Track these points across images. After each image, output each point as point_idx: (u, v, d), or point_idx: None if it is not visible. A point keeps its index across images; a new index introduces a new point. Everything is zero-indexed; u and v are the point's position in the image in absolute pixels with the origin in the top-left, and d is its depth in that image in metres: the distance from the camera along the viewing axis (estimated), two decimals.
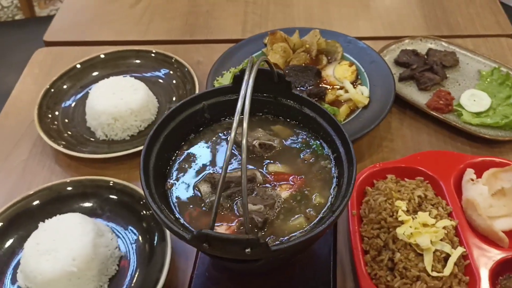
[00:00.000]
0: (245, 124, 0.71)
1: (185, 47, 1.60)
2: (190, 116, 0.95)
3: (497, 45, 1.53)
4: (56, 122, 1.32)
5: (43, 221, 1.04)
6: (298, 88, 1.33)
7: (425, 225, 0.99)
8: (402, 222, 1.00)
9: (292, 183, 0.88)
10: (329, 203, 0.84)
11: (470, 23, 1.61)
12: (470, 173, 1.11)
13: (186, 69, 1.42)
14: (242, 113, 0.71)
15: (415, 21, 1.65)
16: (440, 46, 1.47)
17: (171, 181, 0.89)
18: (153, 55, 1.47)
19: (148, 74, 1.46)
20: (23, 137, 1.36)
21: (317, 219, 0.82)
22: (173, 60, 1.44)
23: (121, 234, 1.09)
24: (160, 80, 1.44)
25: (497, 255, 0.97)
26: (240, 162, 0.90)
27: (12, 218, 1.08)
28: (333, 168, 0.90)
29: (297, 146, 0.94)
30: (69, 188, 1.13)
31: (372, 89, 1.31)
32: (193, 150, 0.95)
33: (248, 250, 0.70)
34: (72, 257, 0.96)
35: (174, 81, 1.42)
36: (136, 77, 1.39)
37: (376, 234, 1.01)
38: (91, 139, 1.32)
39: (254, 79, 0.74)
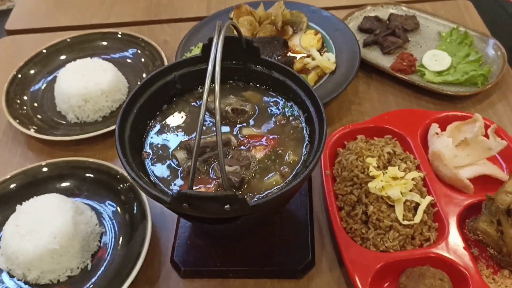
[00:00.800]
0: (217, 87, 0.73)
1: (151, 28, 1.60)
2: (162, 88, 0.97)
3: (455, 7, 1.58)
4: (25, 108, 1.31)
5: (20, 204, 1.04)
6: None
7: (395, 178, 1.04)
8: (373, 177, 1.04)
9: (266, 144, 0.91)
10: (302, 160, 0.87)
11: None
12: (435, 127, 1.15)
13: (154, 48, 1.42)
14: (213, 77, 0.73)
15: None
16: (400, 11, 1.52)
17: (147, 150, 0.91)
18: (119, 36, 1.47)
19: (116, 55, 1.46)
20: None
21: (292, 175, 0.85)
22: (139, 40, 1.45)
23: (100, 211, 1.10)
24: (129, 60, 1.44)
25: (463, 201, 1.02)
26: (215, 127, 0.93)
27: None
28: (305, 127, 0.93)
29: (269, 110, 0.97)
30: (45, 170, 1.13)
31: (338, 55, 1.35)
32: (167, 120, 0.96)
33: (227, 206, 0.72)
34: (53, 235, 0.97)
35: (142, 60, 1.42)
36: (104, 59, 1.38)
37: (350, 191, 1.05)
38: (63, 122, 1.31)
39: (223, 42, 0.75)
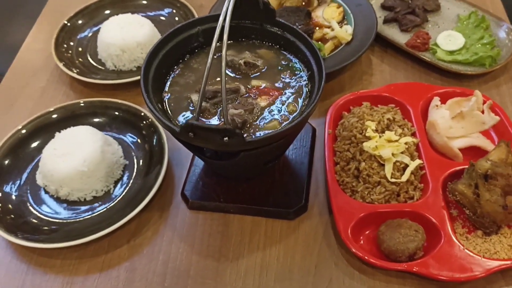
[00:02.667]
0: (225, 36, 0.85)
1: None
2: (186, 39, 1.09)
3: None
4: (70, 52, 1.48)
5: (59, 132, 1.21)
6: None
7: (389, 141, 1.13)
8: (369, 138, 1.14)
9: (271, 95, 1.02)
10: (299, 110, 0.99)
11: None
12: (436, 100, 1.24)
13: (189, 9, 1.55)
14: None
15: None
16: None
17: (167, 90, 1.04)
18: None
19: (153, 13, 1.60)
20: (42, 68, 1.51)
21: (288, 121, 0.97)
22: (176, 1, 1.58)
23: (126, 145, 1.25)
24: (163, 18, 1.59)
25: (449, 166, 1.11)
26: (229, 78, 1.06)
27: (34, 129, 1.25)
28: (306, 84, 1.04)
29: (278, 66, 1.08)
30: (82, 106, 1.29)
31: (356, 29, 1.43)
32: (187, 68, 1.09)
33: (226, 138, 0.85)
34: (83, 159, 1.13)
35: (176, 19, 1.56)
36: (143, 16, 1.53)
37: (347, 149, 1.16)
38: (102, 68, 1.47)
39: (236, 1, 0.87)
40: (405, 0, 1.55)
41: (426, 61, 1.37)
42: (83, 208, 1.15)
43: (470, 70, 1.34)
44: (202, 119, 0.98)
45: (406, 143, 1.13)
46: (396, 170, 1.10)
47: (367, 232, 1.07)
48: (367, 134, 1.14)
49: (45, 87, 1.46)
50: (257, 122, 0.98)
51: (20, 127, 1.25)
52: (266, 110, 1.00)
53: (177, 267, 1.05)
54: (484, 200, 1.00)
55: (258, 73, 1.07)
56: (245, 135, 0.94)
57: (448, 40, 1.41)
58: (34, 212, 1.14)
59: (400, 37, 1.47)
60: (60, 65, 1.42)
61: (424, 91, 1.27)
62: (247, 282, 1.02)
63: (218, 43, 1.11)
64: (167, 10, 1.59)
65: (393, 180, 1.08)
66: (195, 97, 1.02)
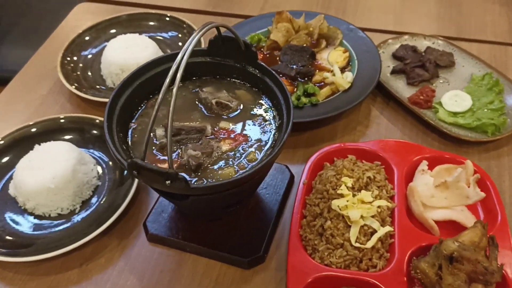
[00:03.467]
0: (175, 89, 0.83)
1: (204, 17, 1.73)
2: (165, 70, 1.08)
3: (502, 52, 1.53)
4: (72, 65, 1.51)
5: (39, 144, 1.22)
6: (290, 66, 1.42)
7: (362, 202, 1.07)
8: (342, 196, 1.08)
9: (235, 140, 0.99)
10: (259, 159, 0.95)
11: (482, 29, 1.62)
12: (423, 164, 1.16)
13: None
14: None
15: (427, 19, 1.68)
16: (440, 46, 1.50)
17: (135, 121, 1.03)
18: (167, 18, 1.62)
19: (161, 35, 1.63)
20: (47, 77, 1.55)
21: (245, 170, 0.93)
22: (185, 25, 1.59)
23: (105, 166, 1.25)
24: (168, 42, 1.60)
25: (420, 240, 1.03)
26: (200, 116, 1.04)
27: (14, 141, 1.27)
28: (275, 133, 1.00)
29: (252, 111, 1.05)
30: (62, 121, 1.31)
31: (358, 76, 1.38)
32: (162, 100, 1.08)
33: (168, 182, 0.82)
34: (53, 176, 1.13)
35: (180, 44, 1.56)
36: (150, 37, 1.54)
37: (317, 203, 1.10)
38: (102, 87, 1.48)
39: (196, 41, 0.85)
40: (418, 52, 1.49)
41: (424, 120, 1.30)
42: (46, 223, 1.15)
43: (471, 136, 1.26)
44: (159, 156, 0.96)
45: (379, 207, 1.07)
46: (363, 234, 1.04)
47: None
48: (339, 191, 1.08)
49: (46, 96, 1.50)
50: (214, 166, 0.95)
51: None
52: (225, 154, 0.97)
53: None
54: (446, 284, 0.91)
55: (231, 114, 1.05)
56: (193, 180, 0.92)
57: (454, 101, 1.33)
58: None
59: (405, 91, 1.40)
60: (61, 77, 1.44)
61: (414, 152, 1.20)
62: None
63: (195, 78, 1.13)
64: (171, 33, 1.61)
65: (357, 244, 1.02)
66: (159, 132, 1.00)
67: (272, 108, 1.04)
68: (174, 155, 0.97)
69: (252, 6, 1.79)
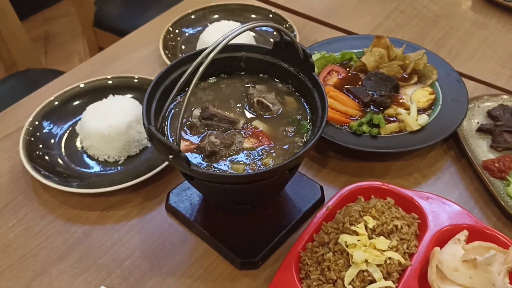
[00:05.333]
0: (191, 87, 0.85)
1: (307, 22, 1.73)
2: (228, 58, 1.12)
3: None
4: (171, 36, 1.64)
5: (113, 95, 1.35)
6: (370, 92, 1.36)
7: (375, 247, 1.00)
8: (356, 233, 1.02)
9: (260, 141, 0.99)
10: (271, 167, 0.94)
11: None
12: (462, 234, 1.03)
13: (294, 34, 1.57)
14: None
15: None
16: None
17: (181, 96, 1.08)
18: (271, 15, 1.67)
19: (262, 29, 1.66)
20: (151, 42, 1.69)
21: (252, 171, 0.93)
22: (286, 25, 1.62)
23: None
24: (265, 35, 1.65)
25: None
26: (241, 109, 1.06)
27: (93, 88, 1.42)
28: (299, 148, 0.97)
29: (290, 119, 1.04)
30: (136, 81, 1.43)
31: (434, 123, 1.27)
32: (215, 84, 1.11)
33: (171, 156, 0.86)
34: (109, 125, 1.24)
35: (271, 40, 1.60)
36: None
37: (329, 232, 1.05)
38: None
39: (237, 34, 0.86)
40: None
41: (488, 190, 1.15)
42: (91, 164, 1.27)
43: None
44: (187, 133, 1.00)
45: (390, 258, 0.98)
46: (360, 280, 0.96)
47: None
48: (354, 228, 1.02)
49: (143, 57, 1.63)
50: (229, 158, 0.96)
51: (82, 84, 1.42)
52: (245, 151, 0.97)
53: (117, 251, 1.10)
54: None
55: (270, 116, 1.04)
56: (204, 164, 0.94)
57: None
58: (60, 151, 1.29)
59: (484, 153, 1.25)
60: (160, 46, 1.57)
61: (458, 218, 1.07)
62: None
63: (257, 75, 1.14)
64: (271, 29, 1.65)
65: (349, 287, 0.95)
66: (195, 112, 1.04)
67: (310, 123, 1.02)
68: (198, 137, 1.00)
69: (364, 25, 1.74)
